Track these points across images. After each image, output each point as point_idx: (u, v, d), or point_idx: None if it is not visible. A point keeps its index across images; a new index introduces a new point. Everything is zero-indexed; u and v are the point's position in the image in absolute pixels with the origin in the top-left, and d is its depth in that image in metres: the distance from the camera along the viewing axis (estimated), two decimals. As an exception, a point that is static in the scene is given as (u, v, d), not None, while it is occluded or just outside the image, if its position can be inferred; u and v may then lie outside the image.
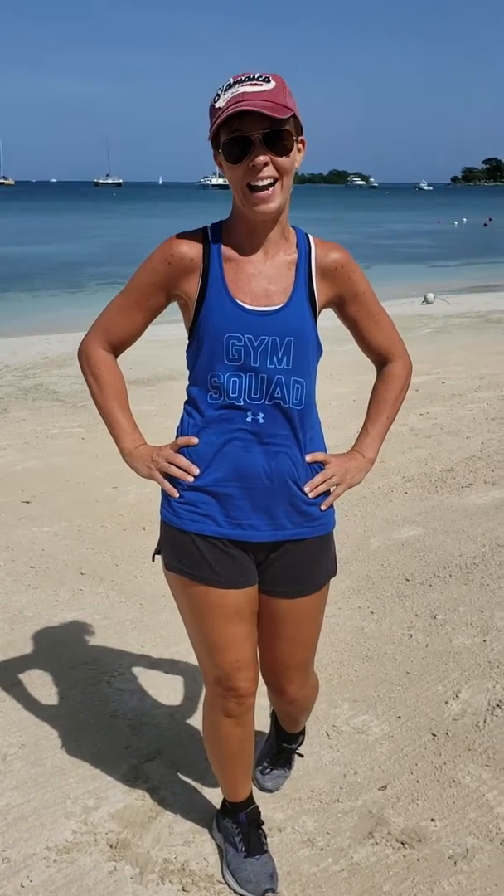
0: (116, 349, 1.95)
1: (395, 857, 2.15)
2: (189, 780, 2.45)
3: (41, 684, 2.94)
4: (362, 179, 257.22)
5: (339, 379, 7.25)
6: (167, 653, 3.17)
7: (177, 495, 1.83)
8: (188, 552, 1.84)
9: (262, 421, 1.77)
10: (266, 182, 1.66)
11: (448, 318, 12.29)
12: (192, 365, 1.84)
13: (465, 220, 50.88)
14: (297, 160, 1.73)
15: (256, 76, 1.65)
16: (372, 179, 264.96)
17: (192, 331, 1.81)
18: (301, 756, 2.49)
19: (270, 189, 1.67)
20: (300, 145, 1.73)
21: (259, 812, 2.15)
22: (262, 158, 1.64)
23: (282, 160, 1.66)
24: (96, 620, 3.42)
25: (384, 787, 2.42)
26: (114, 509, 4.66)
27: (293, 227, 1.85)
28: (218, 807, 2.24)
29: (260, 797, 2.35)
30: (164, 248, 1.79)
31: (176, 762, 2.53)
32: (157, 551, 1.96)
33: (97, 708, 2.81)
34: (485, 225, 46.79)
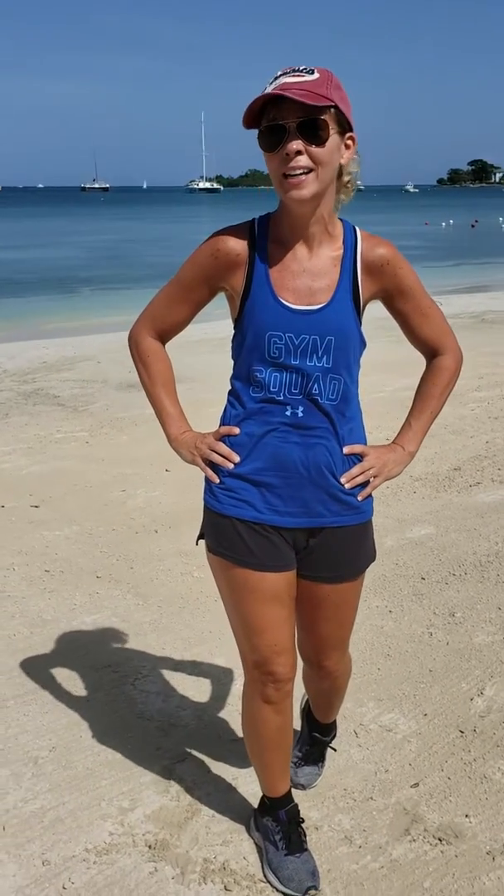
0: (164, 337, 1.99)
1: (433, 854, 2.16)
2: (223, 780, 2.45)
3: (66, 687, 2.94)
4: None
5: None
6: (189, 654, 3.16)
7: (217, 481, 1.88)
8: (228, 536, 1.89)
9: (300, 414, 1.81)
10: (298, 172, 1.66)
11: (443, 318, 12.37)
12: (235, 357, 1.88)
13: (452, 221, 51.09)
14: (343, 155, 1.73)
15: (301, 68, 1.66)
16: (358, 182, 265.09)
17: (237, 323, 1.84)
18: (334, 750, 2.50)
19: (304, 176, 1.66)
20: (349, 141, 1.73)
21: (298, 810, 2.15)
22: (294, 146, 1.64)
23: (316, 150, 1.66)
24: (115, 623, 3.42)
25: (416, 785, 2.43)
26: (123, 512, 4.66)
27: (341, 219, 1.85)
28: (254, 806, 2.25)
29: (295, 796, 2.35)
30: (211, 243, 1.82)
31: (207, 762, 2.53)
32: (201, 535, 2.00)
33: (124, 710, 2.81)
34: (472, 226, 46.99)
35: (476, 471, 5.22)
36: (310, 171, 1.67)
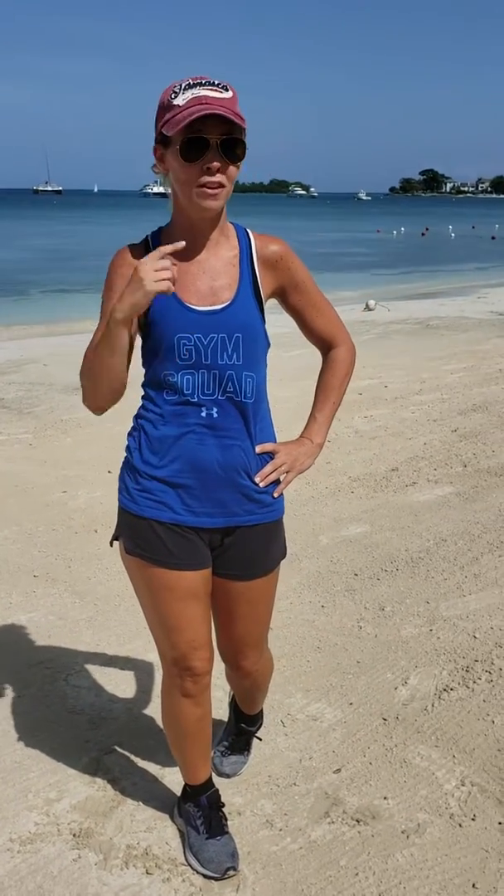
0: None
1: (350, 834, 2.24)
2: (149, 770, 2.50)
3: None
4: (303, 189, 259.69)
5: (284, 384, 7.35)
6: (123, 650, 3.21)
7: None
8: (146, 536, 1.91)
9: (215, 415, 1.85)
10: (215, 184, 1.73)
11: (389, 324, 12.56)
12: (147, 364, 1.90)
13: (403, 229, 51.83)
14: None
15: (215, 82, 1.71)
16: (312, 189, 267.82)
17: (145, 333, 1.87)
18: (260, 739, 2.56)
19: (218, 190, 1.74)
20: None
21: (219, 795, 2.21)
22: (216, 163, 1.71)
23: (232, 168, 1.75)
24: (51, 621, 3.44)
25: (338, 770, 2.51)
26: (64, 513, 4.67)
27: (232, 222, 1.92)
28: (178, 795, 2.30)
29: (219, 783, 2.41)
30: (114, 264, 1.87)
31: (135, 753, 2.58)
32: (116, 537, 2.02)
33: (55, 705, 2.84)
34: (422, 234, 47.74)
35: (413, 471, 5.35)
36: (223, 185, 1.75)
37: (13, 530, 4.42)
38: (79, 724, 2.72)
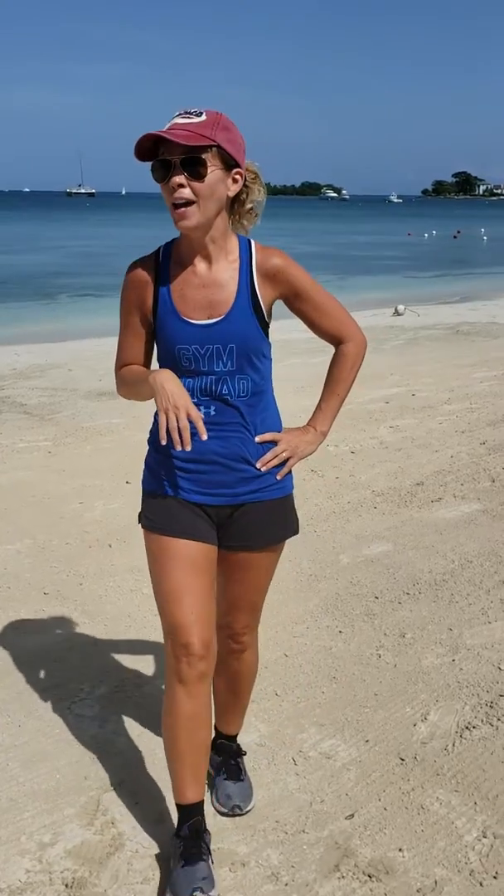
0: None
1: (361, 892, 2.08)
2: (150, 812, 2.36)
3: (-1, 711, 2.85)
4: (334, 192, 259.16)
5: (311, 391, 7.23)
6: (131, 676, 3.08)
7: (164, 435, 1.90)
8: (158, 509, 2.08)
9: (213, 413, 2.01)
10: (181, 202, 1.85)
11: (418, 329, 12.34)
12: (161, 365, 2.06)
13: (434, 232, 51.41)
14: (229, 188, 1.92)
15: (192, 111, 1.85)
16: (344, 192, 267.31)
17: (156, 339, 2.06)
18: (244, 754, 2.52)
19: (185, 209, 1.86)
20: (236, 176, 1.92)
21: (204, 825, 2.11)
22: (176, 179, 1.84)
23: (197, 184, 1.84)
24: (59, 643, 3.33)
25: (351, 816, 2.36)
26: (79, 526, 4.57)
27: (237, 235, 2.04)
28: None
29: (224, 829, 2.28)
30: (127, 278, 2.04)
31: (136, 793, 2.44)
32: (140, 515, 2.16)
33: (56, 736, 2.72)
34: (454, 237, 47.29)
35: (439, 486, 5.18)
36: (192, 203, 1.86)
37: (26, 544, 4.33)
38: (80, 757, 2.60)
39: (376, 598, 3.72)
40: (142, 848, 2.22)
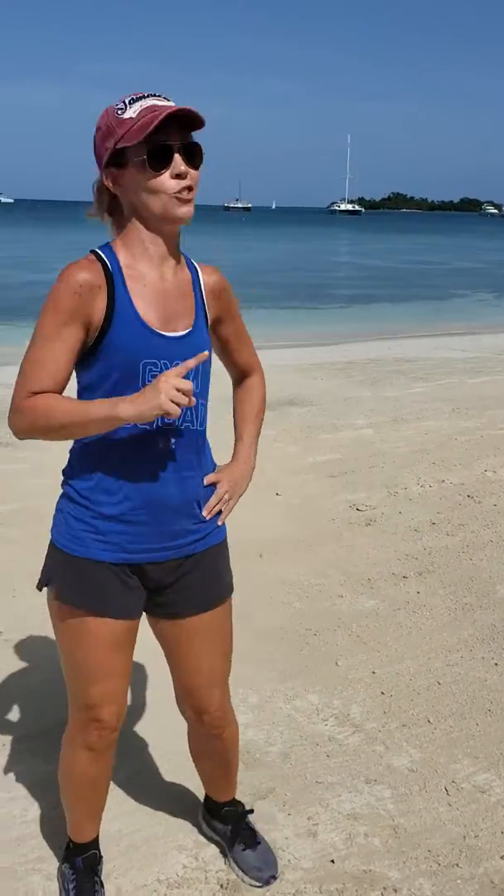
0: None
1: (518, 936, 2.02)
2: (301, 823, 2.39)
3: (138, 712, 2.96)
4: (495, 208, 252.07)
5: (468, 413, 7.07)
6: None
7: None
8: (79, 579, 1.81)
9: (173, 446, 1.79)
10: (187, 187, 1.70)
11: None
12: (88, 392, 1.75)
13: None
14: None
15: (157, 94, 1.70)
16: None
17: (91, 359, 1.72)
18: (251, 812, 2.31)
19: (190, 194, 1.71)
20: None
21: (98, 859, 2.11)
22: (184, 167, 1.68)
23: (195, 173, 1.71)
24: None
25: (507, 856, 2.29)
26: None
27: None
28: (331, 857, 2.17)
29: (375, 851, 2.27)
30: (68, 283, 1.67)
31: (291, 799, 2.48)
32: (46, 582, 1.87)
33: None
34: None
35: None
36: (191, 189, 1.71)
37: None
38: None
39: (535, 632, 3.58)
40: (293, 860, 2.25)
